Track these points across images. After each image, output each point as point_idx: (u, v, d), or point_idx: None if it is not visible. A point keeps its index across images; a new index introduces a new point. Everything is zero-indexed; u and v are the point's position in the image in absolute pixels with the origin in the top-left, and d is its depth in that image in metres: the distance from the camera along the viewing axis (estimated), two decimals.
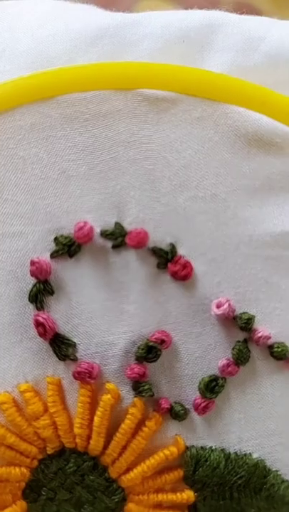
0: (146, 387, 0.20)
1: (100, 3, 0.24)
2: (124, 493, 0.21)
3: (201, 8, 0.24)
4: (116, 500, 0.21)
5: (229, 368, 0.20)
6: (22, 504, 0.22)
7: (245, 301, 0.20)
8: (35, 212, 0.20)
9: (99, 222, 0.20)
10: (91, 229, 0.19)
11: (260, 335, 0.20)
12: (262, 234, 0.20)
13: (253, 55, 0.21)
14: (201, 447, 0.21)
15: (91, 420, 0.20)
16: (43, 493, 0.22)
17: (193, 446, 0.21)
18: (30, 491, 0.22)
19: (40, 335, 0.20)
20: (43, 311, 0.20)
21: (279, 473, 0.21)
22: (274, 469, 0.21)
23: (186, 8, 0.23)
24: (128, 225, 0.20)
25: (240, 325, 0.20)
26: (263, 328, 0.20)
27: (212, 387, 0.20)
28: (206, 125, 0.20)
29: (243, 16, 0.22)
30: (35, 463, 0.21)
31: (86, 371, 0.20)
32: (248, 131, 0.20)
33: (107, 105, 0.20)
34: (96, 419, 0.20)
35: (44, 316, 0.20)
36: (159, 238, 0.20)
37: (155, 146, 0.20)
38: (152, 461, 0.21)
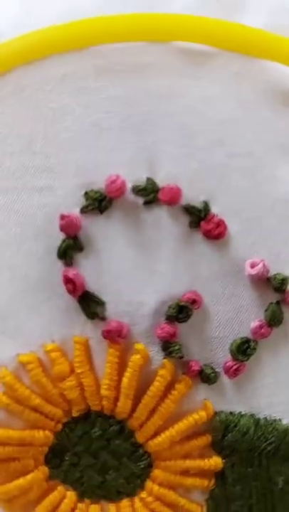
0: (176, 348, 0.20)
1: None
2: (150, 459, 0.21)
3: None
4: (142, 466, 0.21)
5: (262, 330, 0.20)
6: (44, 470, 0.21)
7: (280, 262, 0.20)
8: (65, 166, 0.19)
9: (131, 177, 0.19)
10: (123, 183, 0.19)
11: None
12: None
13: (286, 15, 0.20)
14: (231, 412, 0.21)
15: (119, 382, 0.20)
16: (67, 458, 0.21)
17: (222, 411, 0.21)
18: (53, 456, 0.21)
19: (70, 292, 0.19)
20: (73, 267, 0.19)
21: None
22: None
23: None
24: (161, 181, 0.19)
25: (274, 285, 0.19)
26: None
27: (244, 350, 0.20)
28: (243, 81, 0.20)
29: None
30: (60, 426, 0.21)
31: (116, 330, 0.19)
32: (286, 88, 0.19)
33: (142, 57, 0.19)
34: (124, 380, 0.20)
35: (74, 272, 0.19)
36: (192, 195, 0.19)
37: (191, 100, 0.19)
38: (181, 426, 0.20)
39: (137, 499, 0.21)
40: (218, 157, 0.19)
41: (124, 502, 0.21)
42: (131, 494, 0.21)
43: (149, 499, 0.21)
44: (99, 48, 0.20)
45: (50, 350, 0.20)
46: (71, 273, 0.19)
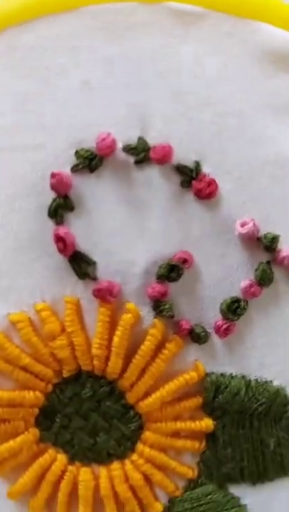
0: (166, 307, 0.20)
1: None
2: (141, 420, 0.21)
3: None
4: (132, 428, 0.21)
5: (252, 289, 0.20)
6: (35, 431, 0.21)
7: (270, 222, 0.20)
8: (57, 124, 0.20)
9: (122, 136, 0.19)
10: (113, 141, 0.19)
11: (284, 255, 0.20)
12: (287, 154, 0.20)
13: None
14: (221, 374, 0.21)
15: (110, 341, 0.20)
16: (57, 420, 0.21)
17: (213, 372, 0.21)
18: (44, 418, 0.21)
19: (60, 251, 0.20)
20: (63, 226, 0.19)
21: None
22: None
23: None
24: (152, 140, 0.20)
25: (264, 244, 0.20)
26: (287, 249, 0.20)
27: (234, 309, 0.20)
28: (234, 41, 0.20)
29: None
30: (50, 387, 0.21)
31: (106, 288, 0.19)
32: (276, 48, 0.20)
33: (134, 17, 0.20)
34: (115, 339, 0.20)
35: (64, 231, 0.19)
36: (183, 155, 0.20)
37: (182, 60, 0.20)
38: (172, 386, 0.20)
39: (127, 461, 0.21)
40: (208, 116, 0.20)
41: (115, 464, 0.21)
42: (122, 457, 0.21)
43: (140, 461, 0.21)
44: (91, 8, 0.20)
45: (40, 309, 0.20)
46: (62, 231, 0.19)
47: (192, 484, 0.22)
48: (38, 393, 0.21)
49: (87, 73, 0.20)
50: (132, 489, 0.21)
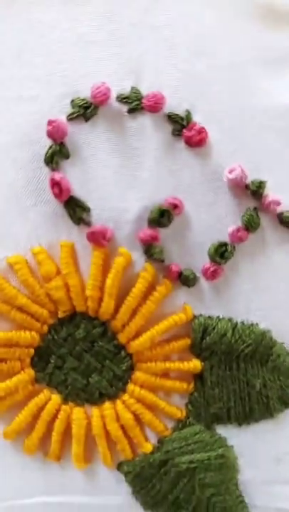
0: (157, 250, 0.21)
1: None
2: (131, 361, 0.22)
3: None
4: (124, 368, 0.22)
5: (239, 233, 0.21)
6: (30, 372, 0.22)
7: (258, 170, 0.21)
8: (52, 76, 0.20)
9: (116, 87, 0.20)
10: (108, 89, 0.20)
11: (270, 200, 0.20)
12: (277, 106, 0.21)
13: None
14: (209, 316, 0.22)
15: (103, 283, 0.21)
16: (52, 361, 0.22)
17: (201, 314, 0.22)
18: (39, 359, 0.22)
19: (56, 196, 0.20)
20: (59, 172, 0.20)
21: (285, 345, 0.22)
22: (280, 341, 0.22)
23: None
24: (145, 90, 0.20)
25: (252, 189, 0.20)
26: (274, 195, 0.21)
27: (221, 253, 0.21)
28: None
29: None
30: (46, 328, 0.22)
31: (100, 232, 0.20)
32: (268, 4, 0.20)
33: None
34: (108, 281, 0.21)
35: (60, 176, 0.20)
36: (174, 104, 0.21)
37: (175, 14, 0.20)
38: (161, 326, 0.21)
39: (119, 401, 0.22)
40: (199, 68, 0.20)
41: (107, 404, 0.22)
42: (113, 397, 0.23)
43: (131, 401, 0.22)
44: None
45: (37, 252, 0.21)
46: (57, 176, 0.20)
47: (180, 425, 0.23)
48: (33, 333, 0.22)
49: (82, 27, 0.20)
50: (123, 428, 0.23)
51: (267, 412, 0.23)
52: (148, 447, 0.23)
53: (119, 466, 0.23)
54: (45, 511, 0.25)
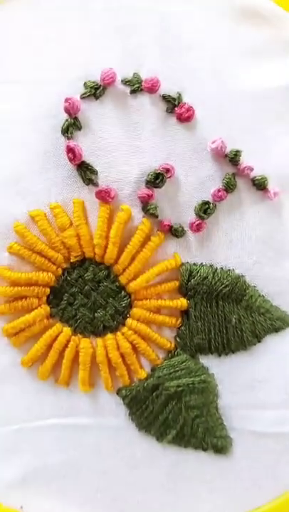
0: (152, 207, 0.26)
1: None
2: (130, 299, 0.27)
3: None
4: (124, 304, 0.27)
5: (219, 193, 0.26)
6: (46, 308, 0.27)
7: (236, 142, 0.26)
8: (69, 63, 0.25)
9: (120, 72, 0.25)
10: (114, 73, 0.25)
11: (244, 165, 0.25)
12: (252, 90, 0.26)
13: None
14: (194, 263, 0.27)
15: (108, 234, 0.26)
16: (64, 298, 0.27)
17: (187, 262, 0.27)
18: (53, 297, 0.27)
19: (70, 160, 0.25)
20: (73, 140, 0.25)
21: (257, 288, 0.27)
22: (253, 284, 0.27)
23: None
24: (144, 75, 0.25)
25: (230, 157, 0.25)
26: (247, 162, 0.26)
27: (205, 210, 0.26)
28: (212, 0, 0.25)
29: None
30: (60, 271, 0.27)
31: (106, 191, 0.25)
32: (244, 6, 0.25)
33: None
34: (112, 231, 0.26)
35: (74, 143, 0.25)
36: (168, 87, 0.26)
37: (170, 13, 0.25)
38: (155, 270, 0.26)
39: (119, 333, 0.27)
40: (189, 58, 0.25)
41: (109, 336, 0.27)
42: (114, 329, 0.27)
43: (129, 333, 0.27)
44: None
45: (54, 207, 0.26)
46: (72, 144, 0.25)
47: (170, 355, 0.28)
48: (50, 274, 0.27)
49: (94, 23, 0.25)
50: (122, 357, 0.27)
51: (241, 344, 0.28)
52: (143, 374, 0.28)
53: (118, 391, 0.28)
54: (54, 431, 0.29)
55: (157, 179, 0.26)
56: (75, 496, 0.30)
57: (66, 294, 0.27)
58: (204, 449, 0.29)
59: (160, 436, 0.29)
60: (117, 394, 0.28)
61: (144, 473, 0.29)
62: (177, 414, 0.28)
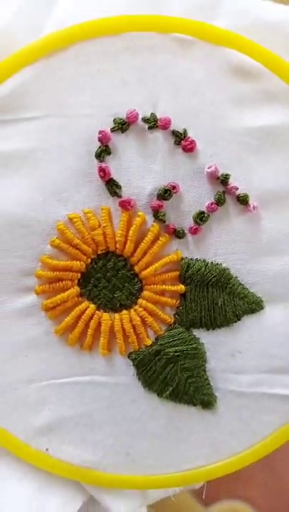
0: (161, 214, 0.34)
1: None
2: (142, 284, 0.36)
3: None
4: (136, 288, 0.36)
5: (212, 206, 0.35)
6: (77, 288, 0.36)
7: (226, 167, 0.34)
8: (102, 104, 0.33)
9: (141, 112, 0.34)
10: (137, 114, 0.34)
11: (232, 185, 0.34)
12: (241, 129, 0.34)
13: (241, 19, 0.35)
14: (191, 258, 0.35)
15: (127, 233, 0.35)
16: (91, 282, 0.36)
17: (186, 257, 0.35)
18: (83, 280, 0.36)
19: (101, 177, 0.34)
20: (104, 163, 0.34)
21: (238, 279, 0.36)
22: (235, 276, 0.36)
23: None
24: (159, 115, 0.34)
25: (221, 179, 0.34)
26: (234, 183, 0.35)
27: (201, 218, 0.35)
28: (209, 59, 0.34)
29: None
30: (89, 260, 0.35)
31: (127, 201, 0.34)
32: (236, 64, 0.34)
33: (151, 41, 0.33)
34: (130, 232, 0.34)
35: (105, 165, 0.34)
36: (177, 125, 0.34)
37: (179, 70, 0.34)
38: (161, 262, 0.35)
39: (132, 310, 0.36)
40: (193, 103, 0.34)
41: (124, 312, 0.36)
42: (128, 307, 0.36)
43: (140, 310, 0.36)
44: (128, 34, 0.34)
45: (87, 212, 0.35)
46: (103, 165, 0.34)
47: (170, 328, 0.36)
48: (81, 263, 0.35)
49: (122, 73, 0.34)
50: (134, 328, 0.36)
51: (225, 321, 0.36)
52: (148, 342, 0.36)
53: (129, 355, 0.36)
54: (77, 387, 0.36)
55: (166, 193, 0.34)
56: (91, 442, 0.37)
57: (93, 279, 0.36)
58: (194, 404, 0.37)
59: (160, 393, 0.37)
60: (128, 357, 0.37)
61: (146, 423, 0.37)
62: (174, 375, 0.37)
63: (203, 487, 0.39)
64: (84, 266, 0.35)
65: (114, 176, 0.34)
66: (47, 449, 0.37)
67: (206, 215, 0.34)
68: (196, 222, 0.34)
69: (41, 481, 0.38)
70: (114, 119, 0.33)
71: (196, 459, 0.37)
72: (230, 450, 0.37)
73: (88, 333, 0.35)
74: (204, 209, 0.34)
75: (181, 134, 0.33)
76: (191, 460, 0.37)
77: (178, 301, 0.35)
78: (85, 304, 0.35)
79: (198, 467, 0.38)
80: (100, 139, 0.33)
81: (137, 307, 0.35)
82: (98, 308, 0.35)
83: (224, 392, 0.36)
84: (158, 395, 0.36)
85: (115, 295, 0.35)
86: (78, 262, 0.34)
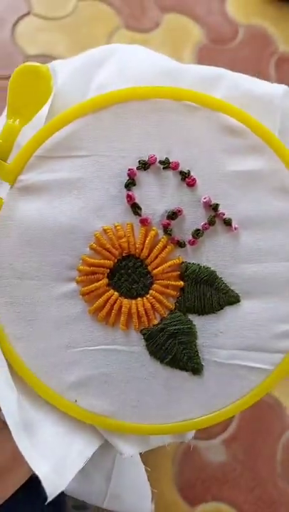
0: (169, 230, 0.49)
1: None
2: (152, 279, 0.50)
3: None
4: (149, 282, 0.49)
5: (205, 225, 0.48)
6: (106, 280, 0.49)
7: (217, 199, 0.49)
8: (132, 148, 0.47)
9: (159, 157, 0.49)
10: (156, 157, 0.48)
11: (220, 212, 0.49)
12: (230, 171, 0.48)
13: (235, 92, 0.50)
14: (189, 262, 0.48)
15: (144, 240, 0.49)
16: (116, 276, 0.49)
17: (185, 261, 0.46)
18: (111, 274, 0.50)
19: (128, 201, 0.48)
20: (131, 191, 0.49)
21: (222, 279, 0.50)
22: (220, 276, 0.50)
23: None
24: (171, 159, 0.49)
25: (212, 207, 0.49)
26: (222, 210, 0.49)
27: (197, 233, 0.49)
28: (207, 120, 0.48)
29: (237, 74, 0.46)
30: (116, 260, 0.49)
31: (145, 219, 0.49)
32: (228, 124, 0.48)
33: (161, 105, 0.42)
34: (147, 241, 0.48)
35: (131, 193, 0.48)
36: (183, 167, 0.48)
37: (187, 127, 0.47)
38: (168, 264, 0.48)
39: (144, 298, 0.50)
40: (195, 152, 0.47)
41: (139, 299, 0.50)
42: (142, 296, 0.50)
43: (150, 298, 0.49)
44: (156, 100, 0.49)
45: (116, 225, 0.48)
46: (130, 193, 0.48)
47: (171, 312, 0.48)
48: (110, 262, 0.48)
49: (148, 128, 0.49)
50: (145, 311, 0.51)
51: (211, 309, 0.49)
52: (155, 322, 0.46)
53: (141, 330, 0.46)
54: (102, 353, 0.42)
55: (173, 215, 0.49)
56: (109, 396, 0.42)
57: (118, 274, 0.48)
58: (186, 370, 0.42)
59: (162, 360, 0.44)
60: (140, 332, 0.45)
61: (150, 383, 0.45)
62: (172, 347, 0.47)
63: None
64: (112, 264, 0.46)
65: (137, 201, 0.46)
66: (76, 401, 0.43)
67: (201, 231, 0.47)
68: (193, 236, 0.46)
69: (69, 426, 0.43)
70: (139, 161, 0.44)
71: (187, 412, 0.43)
72: (213, 406, 0.44)
73: (112, 313, 0.45)
74: (200, 227, 0.45)
75: (186, 173, 0.46)
76: (184, 413, 0.43)
77: (178, 293, 0.45)
78: (111, 292, 0.47)
79: (188, 419, 0.44)
80: (128, 175, 0.45)
81: (148, 296, 0.47)
82: (120, 295, 0.44)
83: (209, 362, 0.43)
84: (160, 361, 0.43)
85: (133, 286, 0.48)
86: (108, 261, 0.46)
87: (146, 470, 0.54)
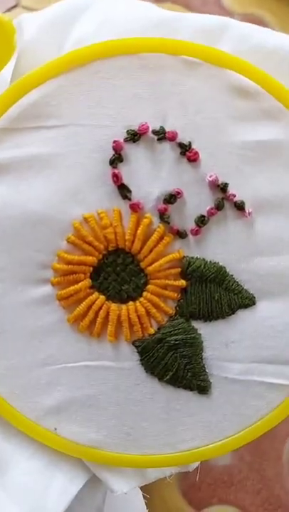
0: (167, 216, 0.40)
1: None
2: (147, 278, 0.41)
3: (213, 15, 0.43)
4: (142, 282, 0.40)
5: (212, 211, 0.40)
6: (88, 281, 0.40)
7: (225, 176, 0.40)
8: (116, 116, 0.38)
9: (152, 125, 0.40)
10: (148, 126, 0.39)
11: (230, 193, 0.40)
12: (238, 142, 0.40)
13: (243, 45, 0.41)
14: (191, 257, 0.41)
15: (136, 232, 0.40)
16: (102, 275, 0.40)
17: (188, 255, 0.41)
18: (95, 274, 0.41)
19: (114, 182, 0.39)
20: (117, 169, 0.40)
21: (233, 276, 0.42)
22: (231, 274, 0.42)
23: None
24: (167, 128, 0.40)
25: (221, 187, 0.40)
26: (232, 191, 0.41)
27: (201, 221, 0.40)
28: (213, 79, 0.39)
29: (246, 24, 0.41)
30: (100, 256, 0.40)
31: (136, 204, 0.40)
32: (237, 84, 0.39)
33: (160, 61, 0.38)
34: (139, 231, 0.40)
35: (118, 171, 0.39)
36: (182, 138, 0.39)
37: (186, 88, 0.39)
38: (165, 259, 0.40)
39: (137, 302, 0.41)
40: (198, 119, 0.39)
41: (131, 303, 0.41)
42: (135, 299, 0.41)
43: (144, 301, 0.41)
44: (144, 54, 0.40)
45: (100, 212, 0.39)
46: (116, 171, 0.39)
47: (171, 318, 0.42)
48: (94, 258, 0.40)
49: (136, 89, 0.40)
50: (138, 318, 0.42)
51: (221, 314, 0.41)
52: (152, 331, 0.41)
53: (134, 342, 0.40)
54: (86, 371, 0.39)
55: (171, 198, 0.40)
56: (95, 422, 0.40)
57: (103, 272, 0.41)
58: (191, 389, 0.42)
59: (161, 377, 0.42)
60: (133, 344, 0.42)
61: (147, 405, 0.42)
62: (173, 361, 0.42)
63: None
64: (96, 261, 0.40)
65: (126, 181, 0.39)
66: (55, 429, 0.40)
67: (206, 218, 0.40)
68: (197, 224, 0.40)
69: (48, 459, 0.42)
70: (127, 131, 0.38)
71: (191, 440, 0.41)
72: (223, 432, 0.41)
73: (97, 321, 0.40)
74: (205, 213, 0.40)
75: (186, 145, 0.39)
76: (187, 441, 0.41)
77: (179, 295, 0.41)
78: (96, 295, 0.41)
79: (193, 448, 0.43)
80: (113, 148, 0.39)
81: (142, 299, 0.41)
82: (107, 299, 0.40)
83: (218, 378, 0.41)
84: (159, 379, 0.40)
85: (123, 287, 0.41)
86: (91, 257, 0.40)
87: (144, 497, 0.43)
